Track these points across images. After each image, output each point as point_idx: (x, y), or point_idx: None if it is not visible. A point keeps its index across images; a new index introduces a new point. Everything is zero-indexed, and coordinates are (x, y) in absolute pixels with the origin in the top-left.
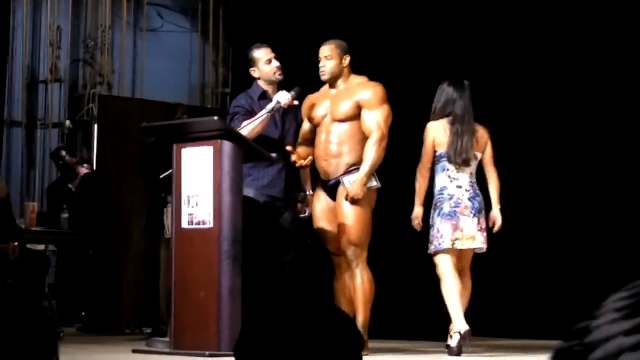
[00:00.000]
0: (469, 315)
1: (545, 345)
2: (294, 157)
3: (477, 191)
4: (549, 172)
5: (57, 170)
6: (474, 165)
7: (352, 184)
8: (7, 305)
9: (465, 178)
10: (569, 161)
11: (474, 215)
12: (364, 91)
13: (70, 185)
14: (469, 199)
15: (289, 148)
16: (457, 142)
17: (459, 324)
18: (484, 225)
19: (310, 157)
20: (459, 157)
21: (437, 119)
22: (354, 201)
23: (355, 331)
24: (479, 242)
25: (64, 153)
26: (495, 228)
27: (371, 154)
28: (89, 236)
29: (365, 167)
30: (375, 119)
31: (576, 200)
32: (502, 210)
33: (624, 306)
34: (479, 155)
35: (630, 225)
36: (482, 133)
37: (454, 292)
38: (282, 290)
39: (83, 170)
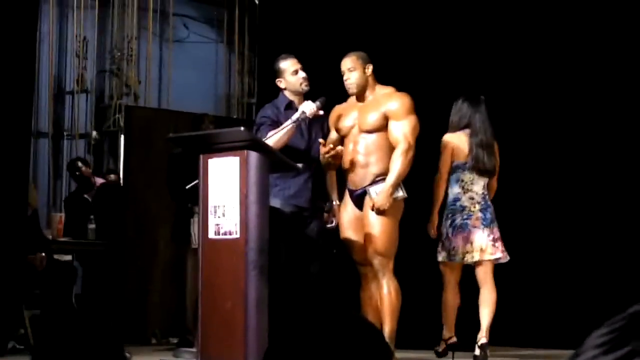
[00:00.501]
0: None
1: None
2: (323, 149)
3: (489, 202)
4: (573, 182)
5: (74, 180)
6: (489, 177)
7: (379, 194)
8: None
9: (479, 189)
10: (589, 169)
11: (486, 227)
12: (392, 102)
13: (86, 196)
14: (480, 211)
15: (320, 141)
16: (480, 153)
17: (447, 333)
18: (497, 235)
19: (340, 148)
20: (481, 167)
21: (454, 132)
22: (380, 212)
23: (383, 343)
24: (492, 253)
25: (80, 164)
26: None
27: (397, 164)
28: (116, 246)
29: (391, 177)
30: (402, 129)
31: (601, 209)
32: (524, 219)
33: (604, 342)
34: (495, 168)
35: None
36: (496, 147)
37: (449, 305)
38: (309, 301)
39: (99, 180)
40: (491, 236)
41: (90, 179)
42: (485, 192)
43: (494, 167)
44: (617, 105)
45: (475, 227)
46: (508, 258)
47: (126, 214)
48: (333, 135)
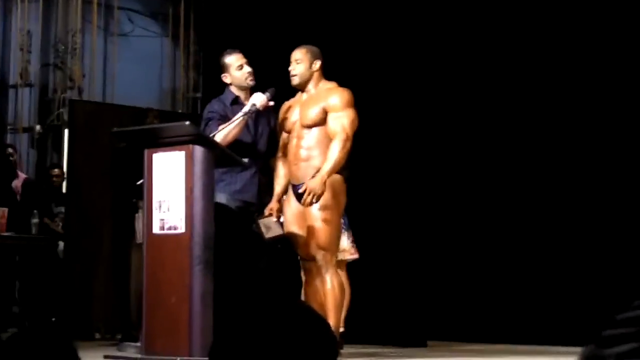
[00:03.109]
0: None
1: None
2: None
3: None
4: (567, 182)
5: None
6: None
7: (313, 179)
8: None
9: None
10: (583, 168)
11: (346, 230)
12: (332, 97)
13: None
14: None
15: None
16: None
17: None
18: (353, 238)
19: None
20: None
21: None
22: (312, 198)
23: (329, 332)
24: (352, 254)
25: (10, 150)
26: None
27: (335, 153)
28: (56, 241)
29: (327, 166)
30: (340, 121)
31: (589, 204)
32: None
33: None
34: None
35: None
36: None
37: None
38: (256, 296)
39: (22, 175)
40: (351, 238)
41: (16, 168)
42: None
43: None
44: (610, 106)
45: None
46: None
47: (70, 208)
48: (284, 135)
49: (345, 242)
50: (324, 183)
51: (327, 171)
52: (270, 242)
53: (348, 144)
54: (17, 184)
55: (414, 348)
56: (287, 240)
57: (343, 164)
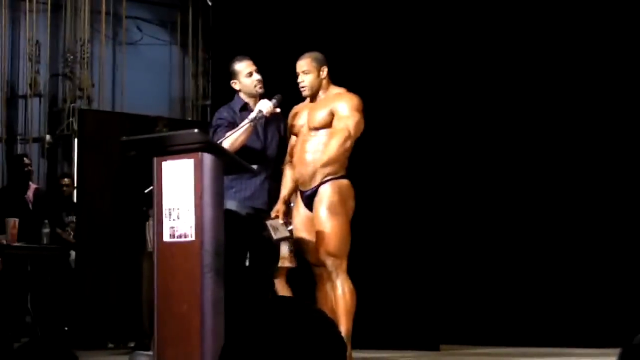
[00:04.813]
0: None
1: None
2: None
3: None
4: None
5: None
6: None
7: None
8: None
9: None
10: (594, 171)
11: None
12: (340, 101)
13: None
14: None
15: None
16: None
17: None
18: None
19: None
20: None
21: None
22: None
23: (338, 334)
24: (291, 262)
25: (26, 160)
26: None
27: (333, 148)
28: (69, 251)
29: (322, 157)
30: (345, 122)
31: (598, 208)
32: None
33: None
34: None
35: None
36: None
37: None
38: (266, 301)
39: (32, 185)
40: (292, 247)
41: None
42: None
43: None
44: (611, 107)
45: None
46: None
47: (81, 217)
48: (292, 140)
49: (286, 250)
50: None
51: (322, 164)
52: (278, 244)
53: (348, 143)
54: (28, 193)
55: (426, 352)
56: (298, 246)
57: (339, 160)
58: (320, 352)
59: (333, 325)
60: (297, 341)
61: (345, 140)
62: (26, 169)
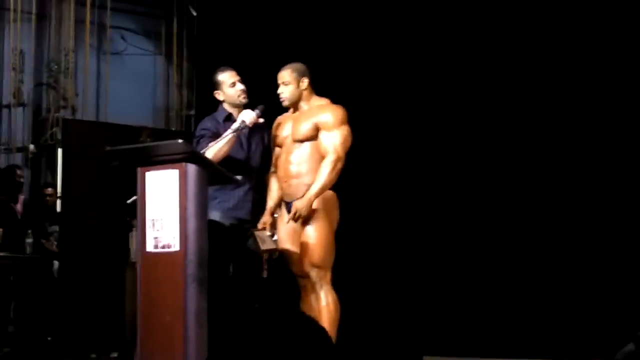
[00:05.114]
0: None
1: None
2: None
3: None
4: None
5: (5, 186)
6: None
7: (300, 200)
8: None
9: None
10: (595, 176)
11: None
12: (324, 113)
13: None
14: None
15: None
16: None
17: None
18: None
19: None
20: None
21: None
22: (299, 218)
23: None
24: None
25: (19, 172)
26: None
27: (324, 175)
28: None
29: (315, 187)
30: (332, 140)
31: (589, 219)
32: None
33: None
34: None
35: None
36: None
37: None
38: (251, 311)
39: (21, 197)
40: (266, 257)
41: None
42: None
43: None
44: (611, 107)
45: None
46: None
47: (64, 227)
48: (277, 150)
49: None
50: (311, 205)
51: (314, 193)
52: (265, 255)
53: (339, 165)
54: (18, 204)
55: None
56: (282, 257)
57: (332, 184)
58: (308, 353)
59: (323, 331)
60: (284, 349)
61: (335, 164)
62: (18, 180)
